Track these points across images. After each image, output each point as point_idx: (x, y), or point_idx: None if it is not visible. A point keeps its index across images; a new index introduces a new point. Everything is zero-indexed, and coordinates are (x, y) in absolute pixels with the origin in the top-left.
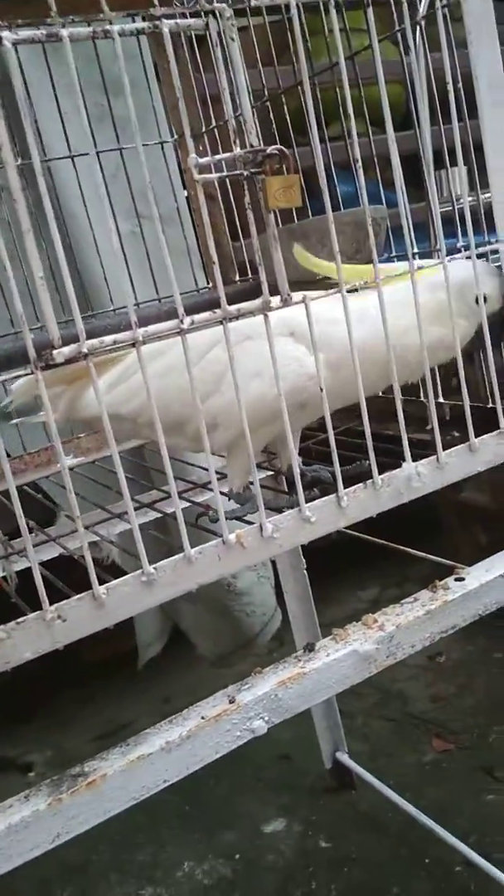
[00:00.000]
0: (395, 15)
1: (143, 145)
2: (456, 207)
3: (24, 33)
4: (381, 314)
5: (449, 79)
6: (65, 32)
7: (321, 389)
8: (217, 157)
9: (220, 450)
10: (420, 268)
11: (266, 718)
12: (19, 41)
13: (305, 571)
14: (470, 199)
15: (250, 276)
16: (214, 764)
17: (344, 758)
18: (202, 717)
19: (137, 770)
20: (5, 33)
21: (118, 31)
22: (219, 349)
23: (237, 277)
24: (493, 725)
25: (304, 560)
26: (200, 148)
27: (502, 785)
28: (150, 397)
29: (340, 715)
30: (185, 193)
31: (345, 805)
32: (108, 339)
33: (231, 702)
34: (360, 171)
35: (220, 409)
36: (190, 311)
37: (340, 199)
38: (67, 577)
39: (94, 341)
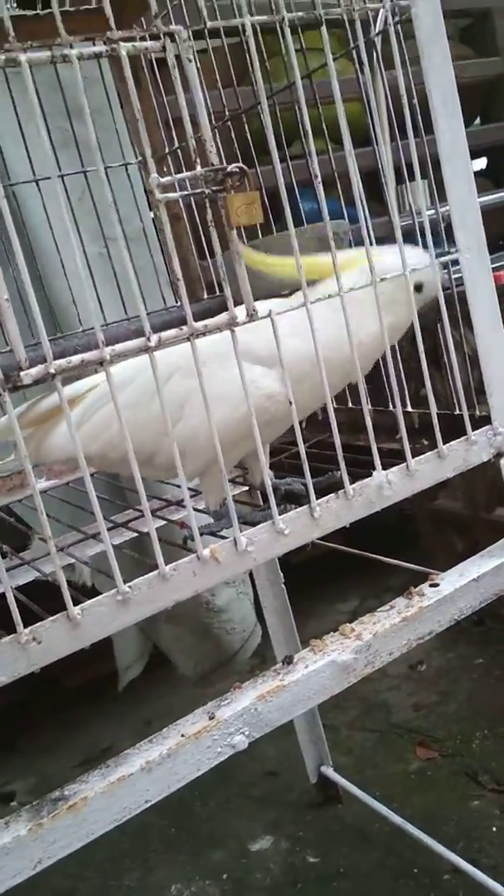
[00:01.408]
0: (350, 34)
1: (107, 167)
2: (416, 221)
3: None
4: (346, 322)
5: (404, 95)
6: (23, 57)
7: (290, 403)
8: (178, 175)
9: (192, 476)
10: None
11: (247, 733)
12: None
13: (284, 586)
14: (430, 212)
15: (218, 293)
16: (200, 784)
17: (329, 771)
18: (182, 735)
19: (119, 791)
20: None
21: (76, 55)
22: (177, 377)
23: (205, 295)
24: (476, 731)
25: (282, 574)
26: (164, 169)
27: (487, 790)
28: (124, 428)
29: (324, 728)
30: (151, 214)
31: (331, 819)
32: (76, 358)
33: (211, 718)
34: (321, 188)
35: (186, 438)
36: (158, 328)
37: (304, 217)
38: (45, 603)
39: (62, 361)
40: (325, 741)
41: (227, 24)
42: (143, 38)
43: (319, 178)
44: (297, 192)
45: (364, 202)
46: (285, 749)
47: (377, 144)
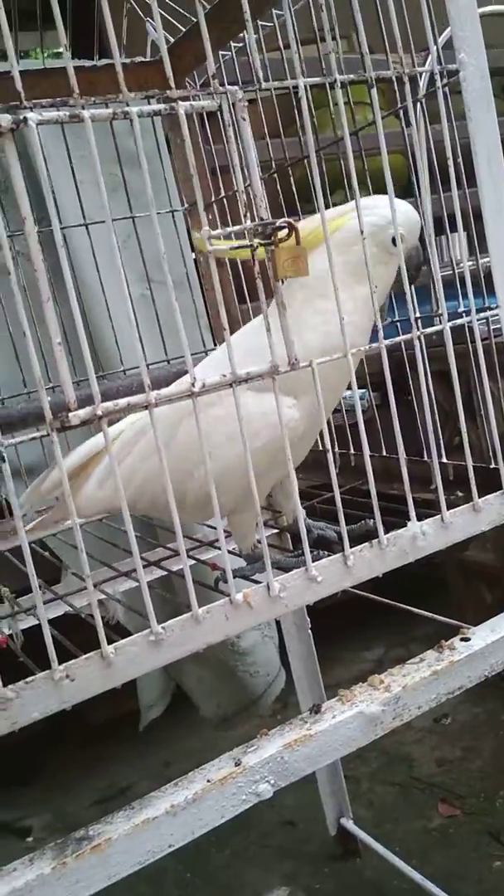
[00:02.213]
0: (396, 91)
1: (157, 213)
2: (456, 272)
3: (48, 114)
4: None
5: (449, 154)
6: (86, 114)
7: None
8: (228, 229)
9: (223, 514)
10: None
11: (272, 782)
12: (43, 122)
13: (310, 631)
14: (469, 263)
15: None
16: (218, 830)
17: (349, 824)
18: (208, 780)
19: (143, 834)
20: (30, 114)
21: (136, 113)
22: (189, 421)
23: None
24: (500, 790)
25: (308, 619)
26: (209, 216)
27: None
28: (165, 472)
29: (345, 780)
30: (193, 256)
31: (349, 873)
32: (123, 401)
33: (237, 764)
34: (365, 244)
35: (215, 474)
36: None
37: None
38: (71, 635)
39: (109, 404)
40: (345, 793)
41: (280, 84)
42: (196, 97)
43: (364, 234)
44: None
45: (402, 253)
46: (305, 799)
47: (419, 196)
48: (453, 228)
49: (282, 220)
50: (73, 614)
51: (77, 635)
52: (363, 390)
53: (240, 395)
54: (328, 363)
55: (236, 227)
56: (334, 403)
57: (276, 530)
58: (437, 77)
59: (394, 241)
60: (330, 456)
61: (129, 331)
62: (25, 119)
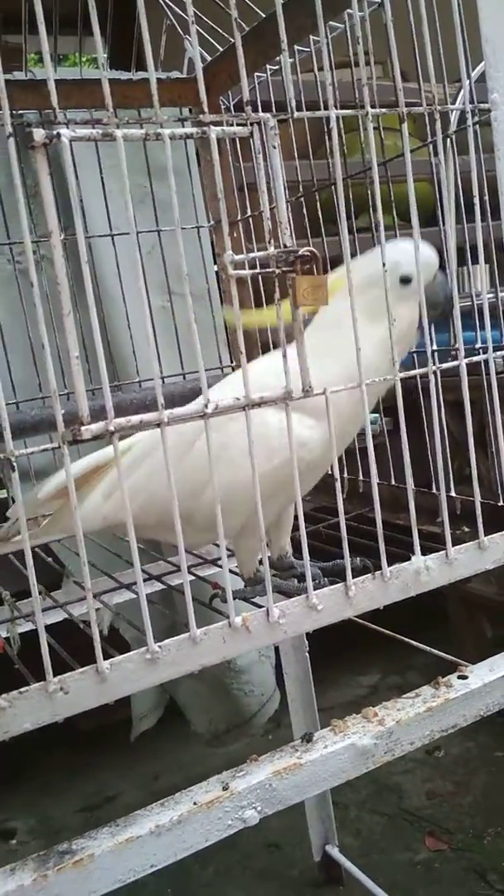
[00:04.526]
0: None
1: (182, 228)
2: (475, 303)
3: (81, 132)
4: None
5: (475, 192)
6: (119, 133)
7: (335, 475)
8: (252, 255)
9: (229, 535)
10: None
11: (259, 809)
12: (76, 139)
13: (308, 654)
14: (490, 295)
15: None
16: (202, 847)
17: (334, 851)
18: (194, 803)
19: (125, 852)
20: (64, 130)
21: (168, 135)
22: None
23: (260, 354)
24: (489, 827)
25: (307, 642)
26: (234, 235)
27: (495, 890)
28: (172, 488)
29: (333, 806)
30: (215, 268)
31: None
32: (136, 419)
33: (224, 788)
34: (387, 276)
35: (222, 493)
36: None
37: None
38: (67, 640)
39: (122, 420)
40: (333, 819)
41: (312, 115)
42: (229, 122)
43: (387, 266)
44: None
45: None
46: (291, 822)
47: (443, 225)
48: (475, 260)
49: (305, 248)
50: (69, 620)
51: (73, 639)
52: (375, 415)
53: (261, 413)
54: (344, 393)
55: (260, 253)
56: (350, 436)
57: None
58: (469, 115)
59: (402, 280)
60: (338, 484)
61: (146, 343)
62: (59, 135)
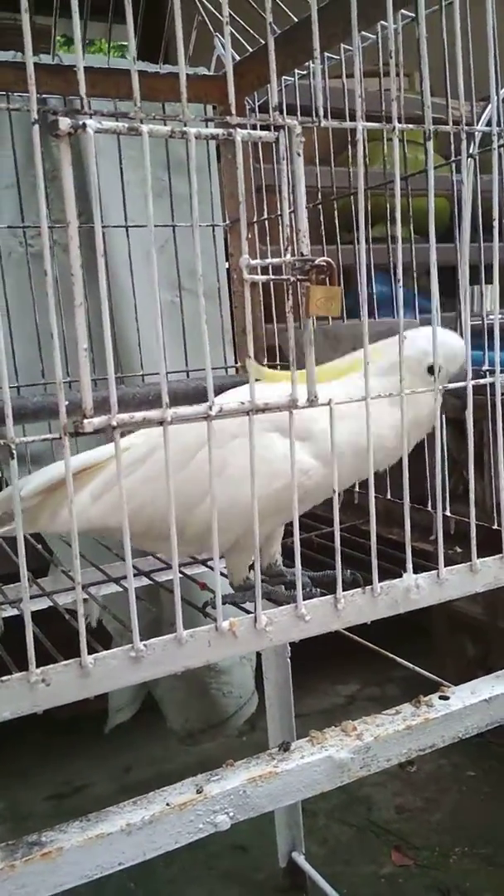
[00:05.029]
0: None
1: (199, 225)
2: (485, 322)
3: (107, 124)
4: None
5: (496, 213)
6: (144, 129)
7: (334, 491)
8: (267, 261)
9: (220, 549)
10: None
11: (231, 814)
12: (101, 130)
13: (289, 660)
14: (500, 315)
15: (278, 360)
16: None
17: (300, 859)
18: (167, 804)
19: (95, 848)
20: (90, 122)
21: (194, 134)
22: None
23: (265, 361)
24: (456, 846)
25: (289, 648)
26: (249, 235)
27: None
28: (170, 494)
29: (302, 813)
30: (227, 266)
31: None
32: (139, 415)
33: (198, 791)
34: (401, 298)
35: (218, 510)
36: (217, 392)
37: (376, 299)
38: (50, 627)
39: (124, 416)
40: (301, 826)
41: (339, 125)
42: (254, 126)
43: (401, 282)
44: (373, 274)
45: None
46: (259, 826)
47: (459, 242)
48: (488, 280)
49: (321, 258)
50: (53, 607)
51: (55, 626)
52: None
53: (267, 435)
54: (349, 453)
55: (276, 260)
56: (350, 483)
57: None
58: (495, 137)
59: (429, 370)
60: (335, 497)
61: (153, 338)
62: (84, 125)
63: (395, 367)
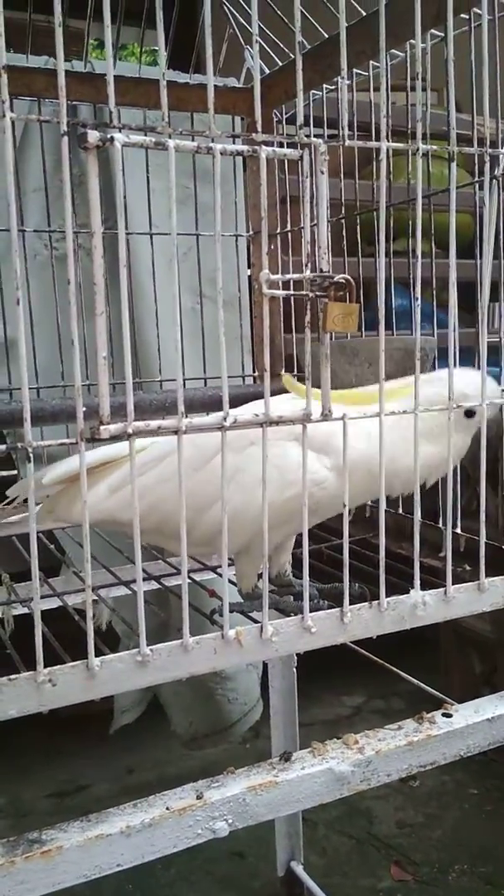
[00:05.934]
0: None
1: (222, 235)
2: (503, 339)
3: (135, 138)
4: (380, 435)
5: None
6: (171, 143)
7: (345, 505)
8: (287, 276)
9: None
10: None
11: (230, 821)
12: (128, 144)
13: (295, 669)
14: None
15: (295, 371)
16: None
17: (298, 869)
18: (167, 808)
19: (94, 848)
20: (118, 135)
21: (220, 150)
22: (226, 453)
23: (282, 370)
24: (455, 863)
25: (295, 657)
26: (272, 247)
27: None
28: (182, 495)
29: (302, 823)
30: (248, 273)
31: None
32: (154, 423)
33: (199, 797)
34: (418, 315)
35: (228, 516)
36: (234, 401)
37: (395, 312)
38: (58, 624)
39: (140, 424)
40: (300, 836)
41: (364, 145)
42: (280, 144)
43: (419, 301)
44: (392, 287)
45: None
46: (258, 833)
47: (480, 259)
48: None
49: (340, 276)
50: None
51: (64, 625)
52: None
53: (284, 444)
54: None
55: (296, 275)
56: (363, 500)
57: None
58: None
59: (466, 414)
60: (346, 511)
61: (174, 347)
62: (112, 139)
63: (433, 403)
